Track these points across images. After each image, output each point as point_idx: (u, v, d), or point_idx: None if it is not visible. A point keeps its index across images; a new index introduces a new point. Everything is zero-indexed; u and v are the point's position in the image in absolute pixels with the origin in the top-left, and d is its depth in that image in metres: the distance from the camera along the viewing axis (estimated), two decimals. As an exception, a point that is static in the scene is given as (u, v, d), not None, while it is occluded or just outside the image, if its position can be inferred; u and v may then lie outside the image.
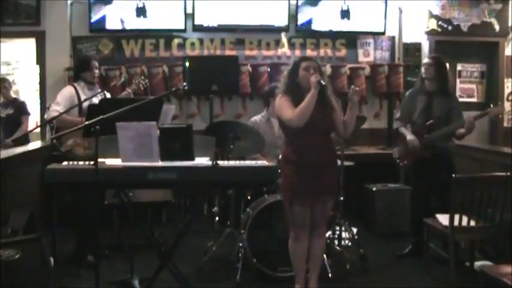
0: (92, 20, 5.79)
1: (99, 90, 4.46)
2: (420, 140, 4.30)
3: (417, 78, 4.59)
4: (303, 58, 3.49)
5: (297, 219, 3.39)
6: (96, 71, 4.49)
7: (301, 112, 3.25)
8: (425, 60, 4.47)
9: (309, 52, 6.18)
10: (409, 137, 4.35)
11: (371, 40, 6.36)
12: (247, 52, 6.17)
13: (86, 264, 4.11)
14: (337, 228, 4.39)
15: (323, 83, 3.26)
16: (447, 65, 4.44)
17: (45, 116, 4.55)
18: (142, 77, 4.80)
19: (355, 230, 4.73)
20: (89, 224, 4.11)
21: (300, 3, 6.00)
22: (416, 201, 4.58)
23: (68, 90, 4.38)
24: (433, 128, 4.26)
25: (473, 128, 4.12)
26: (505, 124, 6.76)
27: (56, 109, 4.20)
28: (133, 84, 4.62)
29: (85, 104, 4.20)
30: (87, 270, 3.97)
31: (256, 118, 4.68)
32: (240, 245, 3.99)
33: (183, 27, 5.90)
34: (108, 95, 4.57)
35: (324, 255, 3.73)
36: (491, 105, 4.17)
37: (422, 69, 4.39)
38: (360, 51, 6.36)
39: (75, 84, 4.42)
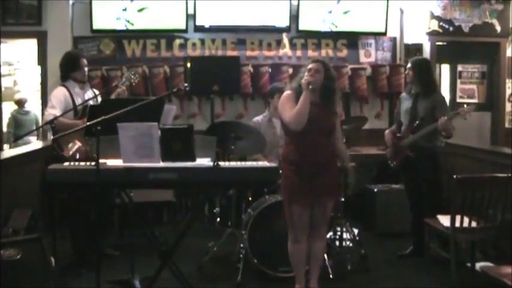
0: (94, 20, 5.78)
1: (90, 90, 4.38)
2: (403, 141, 4.38)
3: None
4: (313, 60, 3.47)
5: (296, 220, 3.39)
6: (86, 69, 4.36)
7: (297, 115, 3.27)
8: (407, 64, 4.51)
9: (310, 53, 6.18)
10: (385, 135, 4.58)
11: (372, 41, 6.35)
12: (249, 52, 6.17)
13: (87, 264, 4.10)
14: (338, 228, 4.39)
15: (310, 86, 3.26)
16: (430, 65, 4.51)
17: (42, 121, 4.42)
18: (133, 72, 4.61)
19: (356, 230, 4.72)
20: (89, 224, 4.10)
21: (301, 3, 6.00)
22: (409, 201, 4.59)
23: (61, 92, 4.22)
24: (418, 128, 4.29)
25: (448, 128, 4.11)
26: (506, 125, 6.77)
27: (52, 113, 4.06)
28: (125, 80, 4.52)
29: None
30: (87, 270, 3.98)
31: (258, 118, 4.69)
32: (241, 245, 3.99)
33: (184, 28, 5.91)
34: (99, 98, 4.42)
35: (325, 256, 3.74)
36: (465, 105, 4.23)
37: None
38: (361, 52, 6.35)
39: (66, 84, 4.28)
